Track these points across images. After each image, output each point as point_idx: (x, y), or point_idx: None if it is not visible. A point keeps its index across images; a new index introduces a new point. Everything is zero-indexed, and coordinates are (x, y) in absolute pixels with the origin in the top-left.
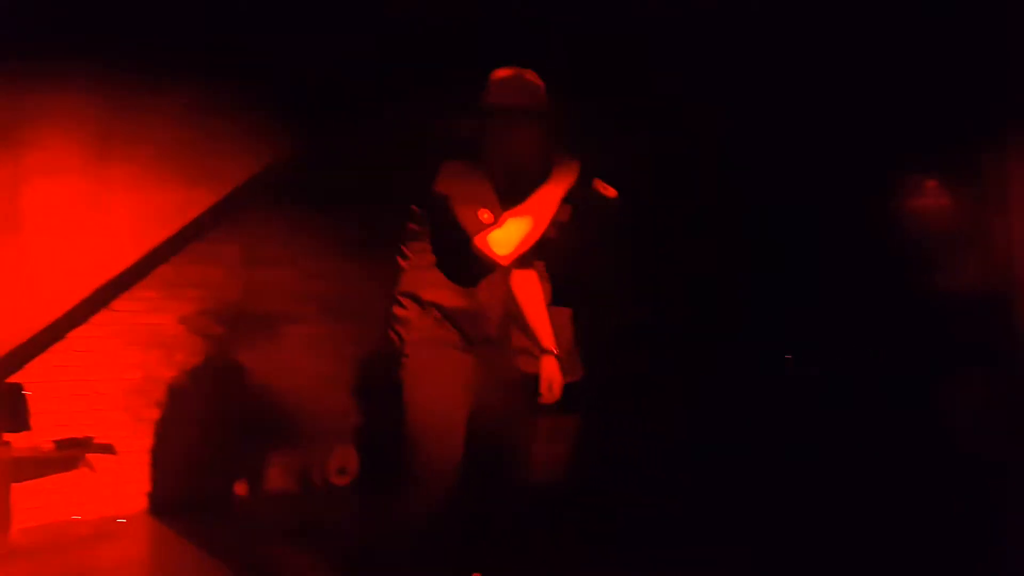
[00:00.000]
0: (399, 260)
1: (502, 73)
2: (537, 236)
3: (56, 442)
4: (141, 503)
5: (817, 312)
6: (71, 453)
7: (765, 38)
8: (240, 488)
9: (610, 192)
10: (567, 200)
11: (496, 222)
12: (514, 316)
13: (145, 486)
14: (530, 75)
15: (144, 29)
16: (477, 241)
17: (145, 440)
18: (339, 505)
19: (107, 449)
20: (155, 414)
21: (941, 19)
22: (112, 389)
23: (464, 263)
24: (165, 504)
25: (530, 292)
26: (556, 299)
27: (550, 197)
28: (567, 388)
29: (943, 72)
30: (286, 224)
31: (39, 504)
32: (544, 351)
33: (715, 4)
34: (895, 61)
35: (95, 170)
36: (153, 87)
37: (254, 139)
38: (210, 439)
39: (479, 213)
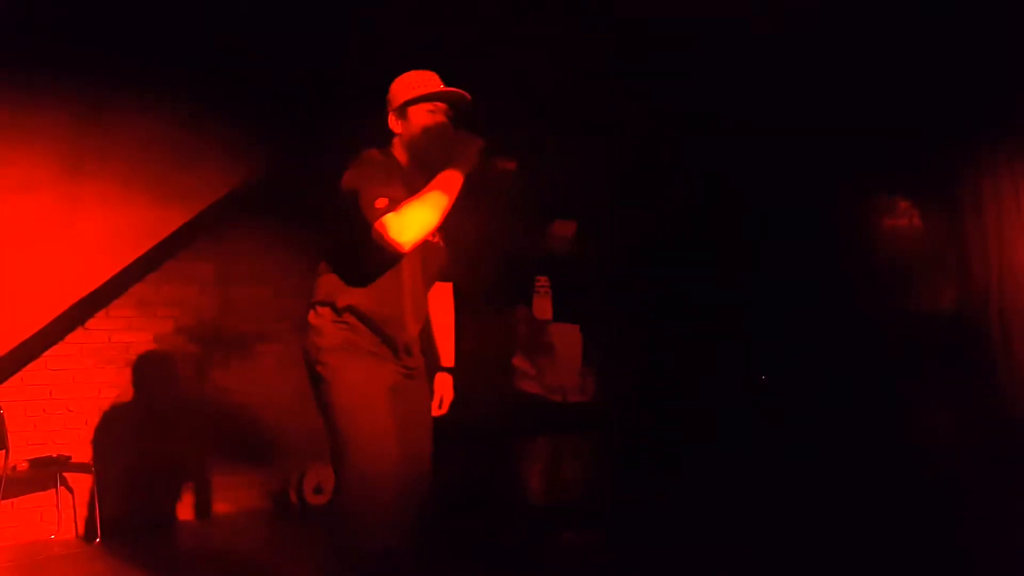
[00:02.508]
0: (317, 269)
1: (411, 72)
2: (437, 221)
3: (31, 461)
4: (115, 522)
5: (790, 332)
6: (46, 472)
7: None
8: (215, 507)
9: (509, 165)
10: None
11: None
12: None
13: (120, 505)
14: (435, 74)
15: (117, 45)
16: (376, 227)
17: (120, 459)
18: (315, 523)
19: (82, 468)
20: (130, 433)
21: (919, 38)
22: (87, 408)
23: (372, 259)
24: (139, 523)
25: (441, 305)
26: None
27: (449, 181)
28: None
29: (923, 90)
30: (260, 242)
31: (13, 524)
32: (442, 368)
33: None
34: (874, 78)
35: (67, 188)
36: (125, 104)
37: (227, 157)
38: (185, 458)
39: (376, 201)
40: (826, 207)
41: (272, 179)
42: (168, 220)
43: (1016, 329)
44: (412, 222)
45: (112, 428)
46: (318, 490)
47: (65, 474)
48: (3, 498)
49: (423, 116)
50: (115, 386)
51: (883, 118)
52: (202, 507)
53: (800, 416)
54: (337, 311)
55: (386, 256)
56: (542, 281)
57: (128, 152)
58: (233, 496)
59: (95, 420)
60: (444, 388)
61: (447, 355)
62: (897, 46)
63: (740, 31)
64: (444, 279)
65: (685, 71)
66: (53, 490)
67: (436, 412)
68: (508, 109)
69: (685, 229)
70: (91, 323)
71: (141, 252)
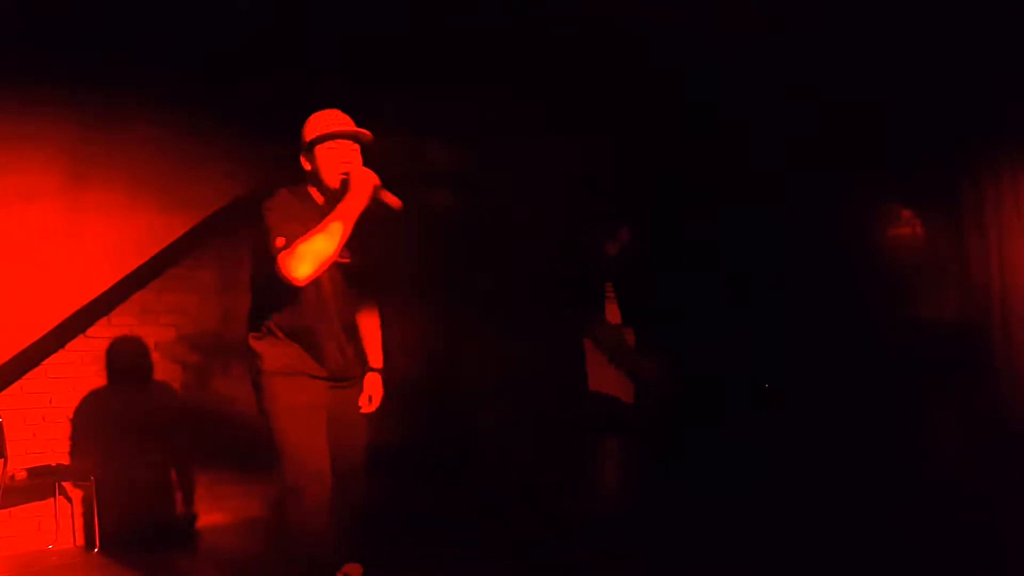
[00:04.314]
0: (250, 287)
1: (320, 112)
2: (330, 255)
3: (29, 470)
4: (114, 532)
5: (790, 339)
6: (44, 481)
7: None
8: (215, 517)
9: (394, 202)
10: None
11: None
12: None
13: (119, 514)
14: (341, 112)
15: (119, 54)
16: (278, 263)
17: (119, 468)
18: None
19: (81, 477)
20: (130, 441)
21: (921, 48)
22: (87, 416)
23: (283, 287)
24: (139, 534)
25: (367, 320)
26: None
27: (341, 217)
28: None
29: (924, 94)
30: None
31: (11, 533)
32: (370, 368)
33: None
34: (874, 87)
35: (70, 195)
36: (128, 113)
37: (230, 165)
38: (186, 466)
39: (276, 241)
40: (826, 212)
41: (274, 187)
42: (170, 228)
43: (1019, 336)
44: (304, 258)
45: (112, 437)
46: None
47: (64, 483)
48: (1, 507)
49: (326, 154)
50: (115, 394)
51: (883, 123)
52: (201, 517)
53: (800, 423)
54: (270, 330)
55: (290, 286)
56: (608, 287)
57: (131, 160)
58: (233, 505)
59: (95, 428)
60: (373, 386)
61: (374, 357)
62: (897, 50)
63: (741, 34)
64: (369, 296)
65: (686, 73)
66: (52, 499)
67: (366, 408)
68: (510, 114)
69: (684, 232)
70: (92, 331)
71: (143, 260)
